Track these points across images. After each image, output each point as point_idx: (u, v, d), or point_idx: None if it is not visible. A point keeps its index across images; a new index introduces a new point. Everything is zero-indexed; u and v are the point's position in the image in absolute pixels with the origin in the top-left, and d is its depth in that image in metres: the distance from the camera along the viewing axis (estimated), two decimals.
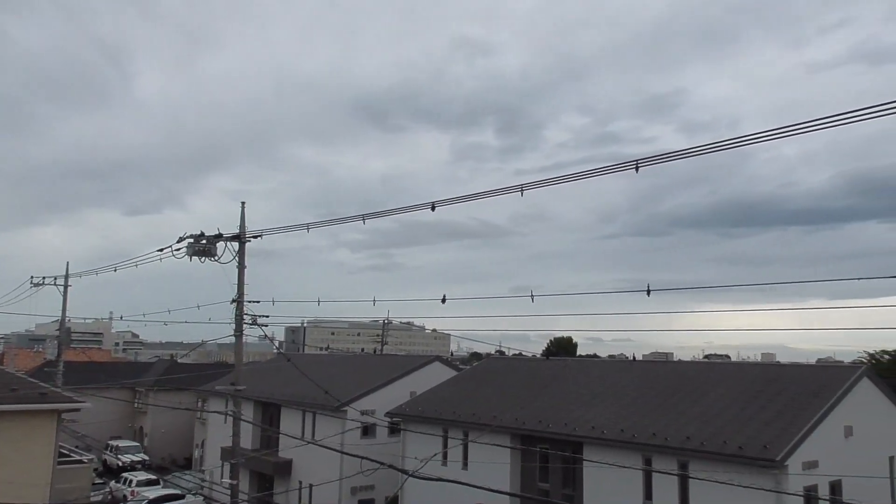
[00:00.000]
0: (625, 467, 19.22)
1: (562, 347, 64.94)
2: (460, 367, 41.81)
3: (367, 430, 30.82)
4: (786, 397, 20.94)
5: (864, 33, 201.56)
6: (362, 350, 63.11)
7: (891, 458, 21.89)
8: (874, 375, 23.70)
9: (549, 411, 24.88)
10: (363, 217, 15.93)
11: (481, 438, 23.54)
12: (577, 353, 66.39)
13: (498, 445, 23.25)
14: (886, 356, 36.57)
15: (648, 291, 13.45)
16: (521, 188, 12.68)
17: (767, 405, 20.73)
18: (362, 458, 15.17)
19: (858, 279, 12.61)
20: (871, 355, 37.30)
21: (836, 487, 19.56)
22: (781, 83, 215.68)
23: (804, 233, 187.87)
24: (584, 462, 22.12)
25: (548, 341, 69.97)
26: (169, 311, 25.19)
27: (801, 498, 18.06)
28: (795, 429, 18.60)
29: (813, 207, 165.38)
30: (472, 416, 26.33)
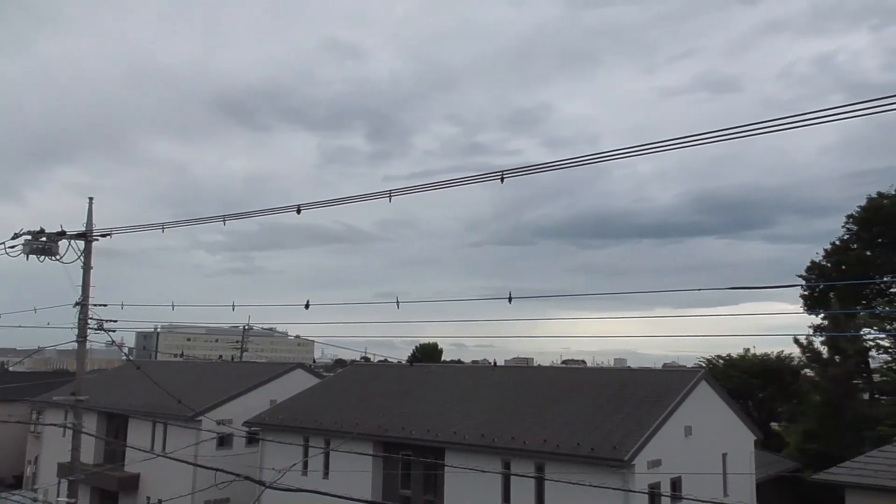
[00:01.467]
0: (484, 472, 19.58)
1: (427, 354, 65.54)
2: (324, 374, 41.06)
3: (224, 441, 29.46)
4: (635, 400, 22.22)
5: (707, 64, 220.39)
6: (220, 357, 60.43)
7: (724, 455, 23.80)
8: (711, 378, 25.71)
9: (412, 418, 24.93)
10: (224, 218, 15.24)
11: (343, 447, 23.15)
12: (442, 359, 67.24)
13: (360, 453, 22.96)
14: (721, 360, 39.85)
15: (510, 299, 13.80)
16: (390, 194, 12.63)
17: (618, 408, 21.90)
18: (217, 469, 14.45)
19: (699, 290, 13.62)
20: (709, 360, 40.52)
21: (676, 484, 21.00)
22: (636, 105, 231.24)
23: (654, 245, 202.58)
24: (446, 468, 22.31)
25: (413, 348, 70.44)
26: None
27: (646, 495, 19.26)
28: (642, 430, 19.76)
29: (662, 222, 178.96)
30: (335, 424, 25.87)
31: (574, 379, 27.12)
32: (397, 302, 14.38)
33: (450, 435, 22.74)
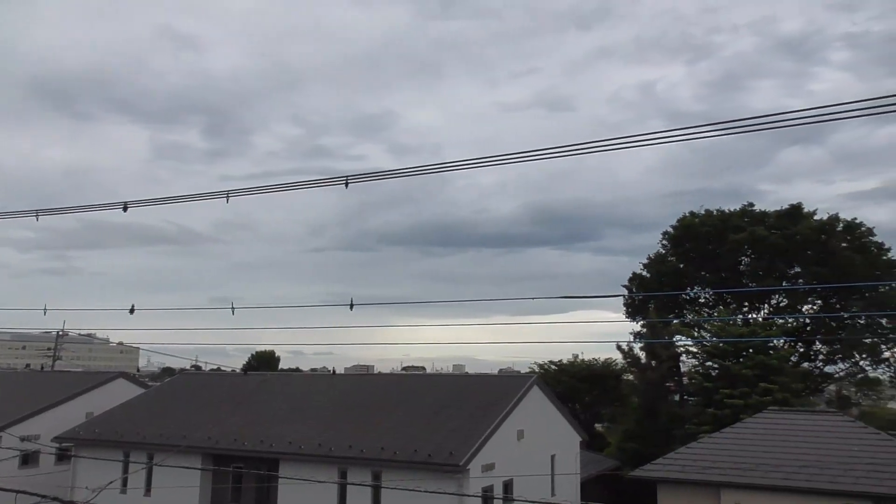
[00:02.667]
0: (320, 482, 19.12)
1: (263, 362, 63.32)
2: (149, 383, 38.35)
3: (28, 459, 26.57)
4: (471, 406, 22.72)
5: (545, 83, 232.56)
6: (27, 366, 54.68)
7: (552, 457, 24.96)
8: (543, 384, 26.91)
9: (245, 428, 23.85)
10: (37, 213, 13.75)
11: (168, 461, 21.66)
12: (279, 368, 65.27)
13: (186, 467, 21.59)
14: (553, 366, 41.91)
15: (351, 305, 13.61)
16: (228, 194, 12.00)
17: (455, 414, 22.28)
18: (17, 491, 12.90)
19: (534, 298, 14.18)
20: (542, 366, 42.46)
21: (508, 486, 21.69)
22: (478, 118, 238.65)
23: (494, 255, 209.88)
24: (280, 479, 21.56)
25: (249, 355, 67.79)
26: None
27: (480, 498, 19.72)
28: (477, 435, 20.23)
29: (502, 232, 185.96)
30: (160, 437, 24.15)
31: (413, 386, 27.31)
32: (232, 308, 13.67)
33: (284, 445, 22.01)
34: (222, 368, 35.19)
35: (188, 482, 22.37)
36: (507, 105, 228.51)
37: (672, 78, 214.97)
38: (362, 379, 33.95)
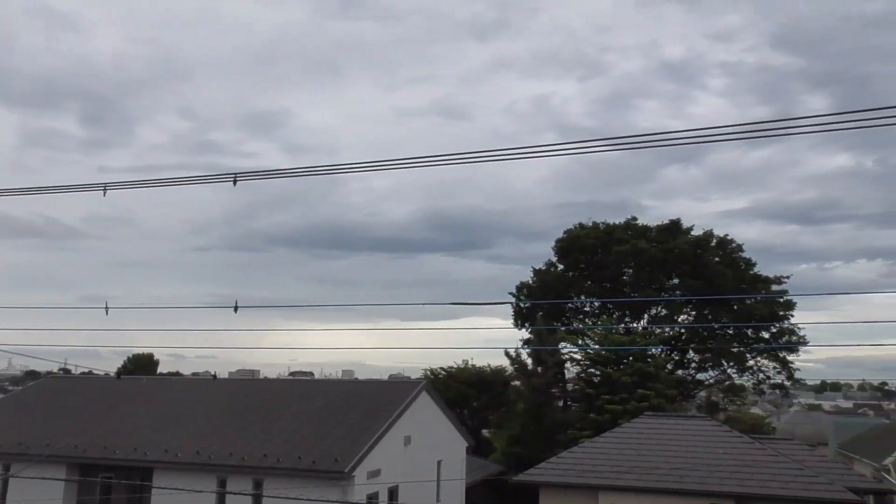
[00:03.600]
0: (196, 491, 18.26)
1: (140, 365, 59.98)
2: (10, 388, 35.47)
3: None
4: (359, 412, 22.44)
5: (443, 91, 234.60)
6: None
7: (439, 462, 25.05)
8: (431, 389, 26.99)
9: (117, 436, 22.47)
10: None
11: (26, 472, 20.03)
12: (158, 372, 62.07)
13: (47, 478, 20.04)
14: (443, 372, 42.20)
15: (236, 308, 13.11)
16: (105, 187, 11.34)
17: (342, 420, 21.93)
18: None
19: (423, 304, 14.19)
20: (432, 371, 42.66)
21: (394, 492, 21.56)
22: (375, 121, 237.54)
23: (386, 259, 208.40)
24: (153, 489, 20.43)
25: (125, 359, 64.11)
26: None
27: None
28: (363, 441, 20.00)
29: (395, 237, 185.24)
30: (18, 446, 22.33)
31: (300, 391, 26.70)
32: (106, 307, 12.85)
33: (160, 453, 20.90)
34: (94, 372, 33.04)
35: (50, 495, 20.79)
36: (405, 110, 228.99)
37: (565, 93, 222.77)
38: (247, 384, 32.85)
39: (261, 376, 59.25)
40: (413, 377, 41.70)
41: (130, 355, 62.04)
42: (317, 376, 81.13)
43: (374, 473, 20.07)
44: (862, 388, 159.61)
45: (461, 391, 39.84)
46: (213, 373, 36.62)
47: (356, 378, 56.66)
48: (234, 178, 11.72)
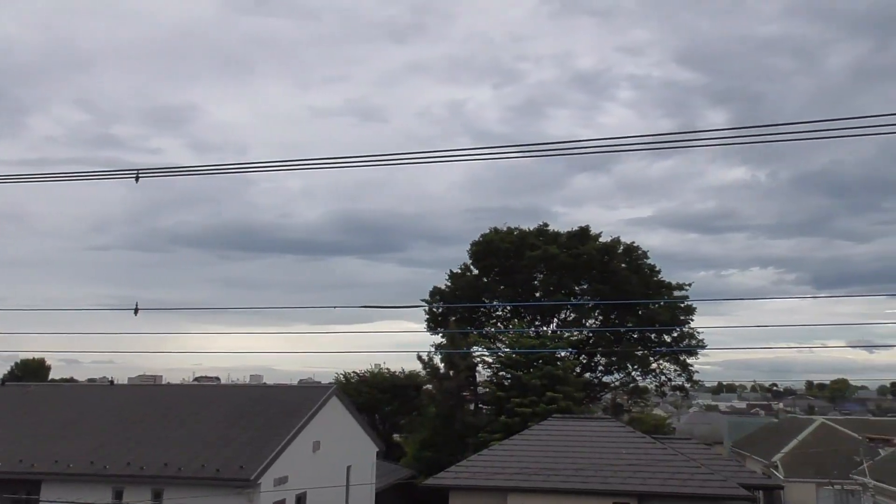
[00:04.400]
0: (89, 503, 17.30)
1: (30, 371, 56.41)
2: None
3: None
4: (266, 417, 21.84)
5: (358, 92, 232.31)
6: None
7: (348, 468, 24.71)
8: (342, 394, 26.61)
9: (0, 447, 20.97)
10: None
11: None
12: (50, 378, 58.53)
13: None
14: (355, 376, 41.76)
15: (136, 310, 12.53)
16: None
17: (249, 426, 21.29)
18: None
19: (334, 307, 13.95)
20: (344, 376, 42.15)
21: (301, 499, 21.09)
22: (288, 120, 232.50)
23: (297, 262, 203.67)
24: (41, 503, 19.19)
25: (11, 364, 60.14)
26: None
27: None
28: (271, 448, 19.47)
29: (307, 239, 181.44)
30: None
31: (205, 397, 25.75)
32: None
33: (49, 464, 19.66)
34: None
35: None
36: (318, 110, 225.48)
37: (480, 99, 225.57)
38: (147, 390, 31.45)
39: (163, 382, 56.83)
40: (324, 382, 41.06)
41: (18, 360, 58.28)
42: (223, 381, 78.59)
43: (282, 480, 19.57)
44: (755, 389, 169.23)
45: (373, 396, 39.57)
46: (110, 378, 34.84)
47: (265, 383, 55.28)
48: (137, 174, 11.21)
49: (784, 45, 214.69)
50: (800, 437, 36.31)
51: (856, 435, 33.26)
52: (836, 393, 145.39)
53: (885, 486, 20.90)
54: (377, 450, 27.90)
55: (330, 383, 33.95)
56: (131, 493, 19.06)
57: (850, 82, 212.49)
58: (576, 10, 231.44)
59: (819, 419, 41.90)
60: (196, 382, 63.31)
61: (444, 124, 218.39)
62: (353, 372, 41.80)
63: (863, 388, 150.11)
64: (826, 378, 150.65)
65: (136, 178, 11.07)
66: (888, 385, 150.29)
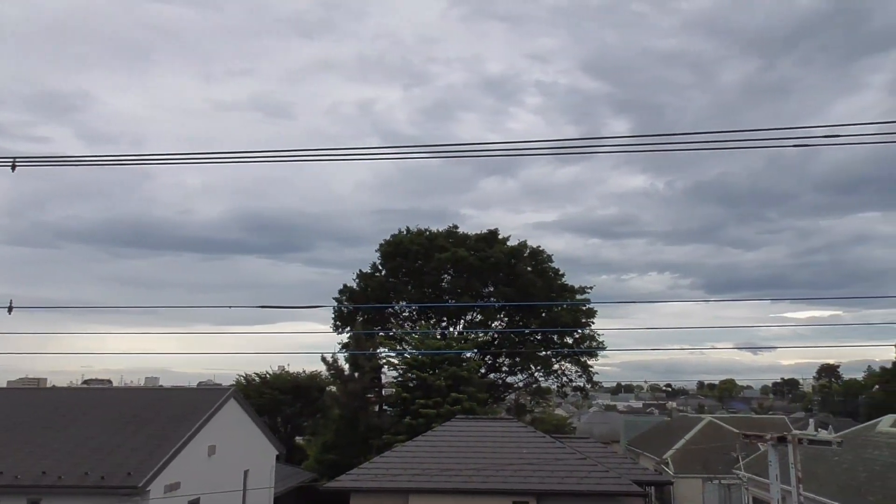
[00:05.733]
0: None
1: None
2: None
3: None
4: (159, 421, 20.87)
5: (264, 87, 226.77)
6: None
7: (246, 472, 23.95)
8: (240, 396, 25.77)
9: None
10: None
11: None
12: None
13: None
14: (257, 378, 40.59)
15: (10, 308, 11.72)
16: None
17: (139, 430, 20.28)
18: None
19: (231, 307, 13.45)
20: (245, 377, 40.91)
21: None
22: (189, 112, 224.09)
23: (197, 260, 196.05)
24: None
25: None
26: None
27: None
28: (162, 453, 18.60)
29: (207, 237, 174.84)
30: None
31: (93, 400, 24.29)
32: None
33: None
34: None
35: None
36: (222, 103, 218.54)
37: (389, 99, 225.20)
38: (28, 393, 29.38)
39: (48, 385, 53.48)
40: (225, 384, 39.73)
41: None
42: (115, 384, 74.75)
43: (173, 487, 18.72)
44: (650, 389, 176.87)
45: (275, 398, 38.62)
46: None
47: (161, 386, 52.96)
48: (13, 162, 10.45)
49: (682, 60, 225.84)
50: (689, 435, 38.14)
51: (738, 431, 35.23)
52: (724, 392, 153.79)
53: (758, 478, 22.20)
54: (277, 453, 27.21)
55: (230, 385, 32.90)
56: (6, 503, 17.74)
57: (740, 98, 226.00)
58: (486, 15, 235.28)
59: (707, 417, 44.15)
60: (85, 385, 59.80)
61: (353, 123, 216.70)
62: (255, 374, 40.64)
63: (748, 387, 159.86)
64: (715, 378, 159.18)
65: (13, 167, 10.35)
66: (770, 385, 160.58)
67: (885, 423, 25.49)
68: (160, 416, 21.28)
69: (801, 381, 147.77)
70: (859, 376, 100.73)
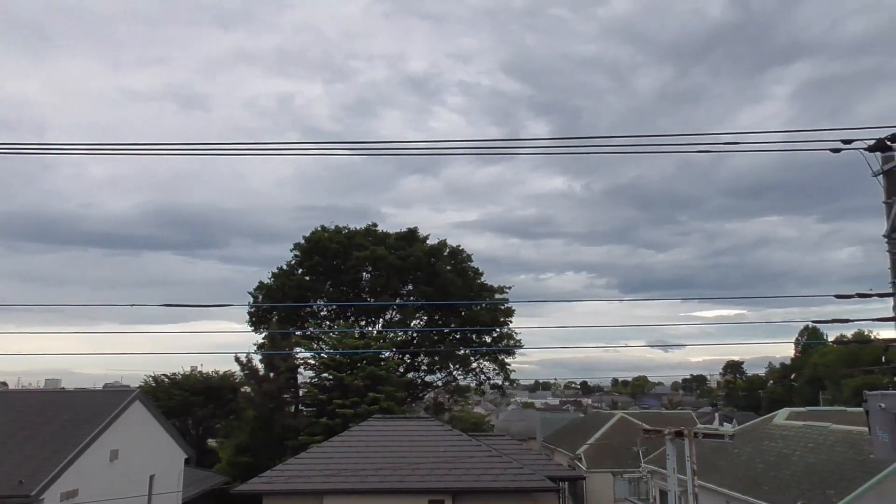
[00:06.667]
0: None
1: None
2: None
3: None
4: (57, 425, 19.75)
5: (178, 77, 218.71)
6: None
7: (151, 477, 22.99)
8: (146, 398, 24.71)
9: None
10: None
11: None
12: None
13: None
14: (166, 379, 39.05)
15: None
16: None
17: (35, 435, 19.12)
18: None
19: (132, 305, 12.81)
20: (154, 378, 39.31)
21: None
22: (96, 100, 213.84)
23: (104, 256, 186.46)
24: None
25: None
26: None
27: None
28: (58, 459, 17.60)
29: (114, 232, 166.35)
30: None
31: None
32: None
33: None
34: None
35: None
36: (133, 92, 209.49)
37: (310, 94, 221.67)
38: None
39: None
40: (133, 386, 38.05)
41: None
42: (12, 387, 70.33)
43: (70, 494, 17.73)
44: (567, 386, 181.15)
45: (186, 399, 37.29)
46: None
47: (62, 388, 50.19)
48: None
49: (600, 65, 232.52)
50: (601, 431, 39.24)
51: (657, 427, 36.58)
52: (637, 389, 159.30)
53: (661, 471, 23.09)
54: (186, 456, 26.25)
55: (136, 387, 31.54)
56: None
57: (654, 104, 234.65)
58: (409, 13, 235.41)
59: (619, 414, 45.57)
60: None
61: (273, 117, 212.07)
62: (164, 375, 39.11)
63: (659, 384, 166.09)
64: (629, 375, 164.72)
65: None
66: (680, 381, 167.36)
67: (780, 416, 26.95)
68: (57, 420, 20.13)
69: (708, 377, 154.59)
70: (762, 372, 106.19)
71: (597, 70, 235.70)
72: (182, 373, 39.45)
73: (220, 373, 40.10)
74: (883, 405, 9.00)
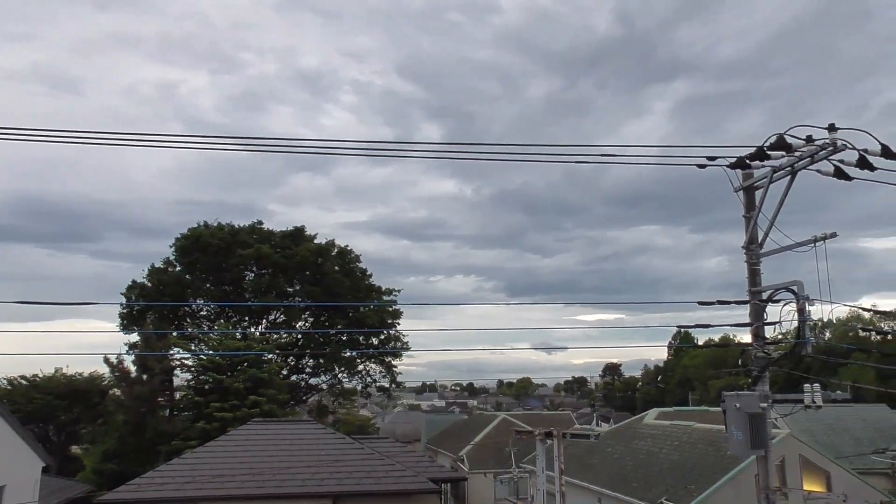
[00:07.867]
0: None
1: None
2: None
3: None
4: None
5: (48, 57, 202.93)
6: None
7: (2, 488, 21.26)
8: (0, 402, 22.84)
9: None
10: None
11: None
12: None
13: None
14: (24, 382, 36.27)
15: None
16: None
17: None
18: None
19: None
20: (10, 381, 36.48)
21: None
22: None
23: None
24: None
25: None
26: None
27: None
28: None
29: None
30: None
31: None
32: None
33: None
34: None
35: None
36: None
37: (195, 84, 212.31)
38: None
39: None
40: None
41: None
42: None
43: None
44: (454, 388, 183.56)
45: (48, 403, 34.79)
46: None
47: None
48: None
49: (493, 72, 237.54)
50: (483, 433, 39.96)
51: (530, 428, 37.64)
52: (521, 390, 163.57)
53: (527, 466, 23.96)
54: (44, 465, 24.40)
55: None
56: None
57: (543, 113, 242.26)
58: (302, 7, 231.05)
59: (501, 415, 46.60)
60: None
61: (153, 106, 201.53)
62: (21, 377, 36.28)
63: (543, 385, 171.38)
64: (514, 377, 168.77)
65: None
66: (562, 382, 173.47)
67: (650, 416, 28.50)
68: None
69: (588, 378, 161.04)
70: (637, 374, 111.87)
71: (490, 76, 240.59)
72: (42, 375, 36.79)
73: (88, 375, 37.72)
74: (738, 405, 9.71)
